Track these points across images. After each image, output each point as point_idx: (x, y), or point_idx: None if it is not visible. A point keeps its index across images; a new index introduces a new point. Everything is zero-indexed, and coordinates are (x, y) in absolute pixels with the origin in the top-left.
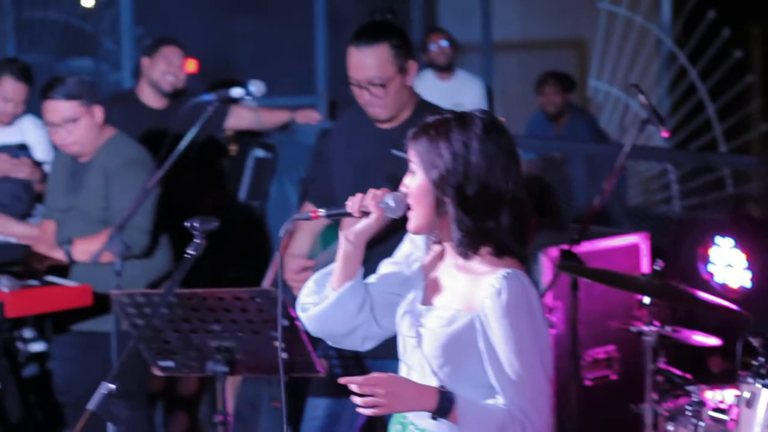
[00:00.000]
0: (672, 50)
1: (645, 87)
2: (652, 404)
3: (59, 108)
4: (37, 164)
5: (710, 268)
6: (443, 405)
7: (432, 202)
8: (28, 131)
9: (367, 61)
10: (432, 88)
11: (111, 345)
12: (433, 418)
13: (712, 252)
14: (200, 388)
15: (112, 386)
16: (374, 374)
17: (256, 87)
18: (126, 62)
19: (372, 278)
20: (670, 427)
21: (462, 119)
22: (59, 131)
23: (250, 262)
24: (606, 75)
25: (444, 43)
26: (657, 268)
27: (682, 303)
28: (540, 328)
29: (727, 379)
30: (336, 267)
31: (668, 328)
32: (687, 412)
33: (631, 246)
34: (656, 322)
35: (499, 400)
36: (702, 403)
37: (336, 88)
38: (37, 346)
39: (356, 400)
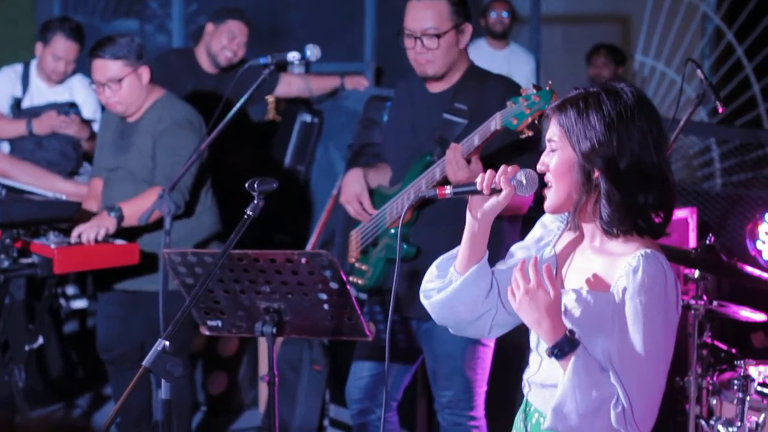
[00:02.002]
0: (719, 27)
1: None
2: (696, 378)
3: (105, 67)
4: (86, 122)
5: (758, 245)
6: (564, 344)
7: (578, 178)
8: (78, 90)
9: (426, 12)
10: (484, 56)
11: (155, 304)
12: (548, 353)
13: (761, 228)
14: (240, 349)
15: (167, 343)
16: (545, 273)
17: (312, 51)
18: (174, 25)
19: (501, 264)
20: (713, 400)
21: (613, 91)
22: (104, 90)
23: (293, 226)
24: (652, 50)
25: (505, 13)
26: (708, 242)
27: (734, 278)
28: (671, 313)
29: None
30: (461, 249)
31: (715, 303)
32: (734, 386)
33: (679, 220)
34: (705, 296)
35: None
36: (749, 378)
37: (383, 55)
38: (79, 303)
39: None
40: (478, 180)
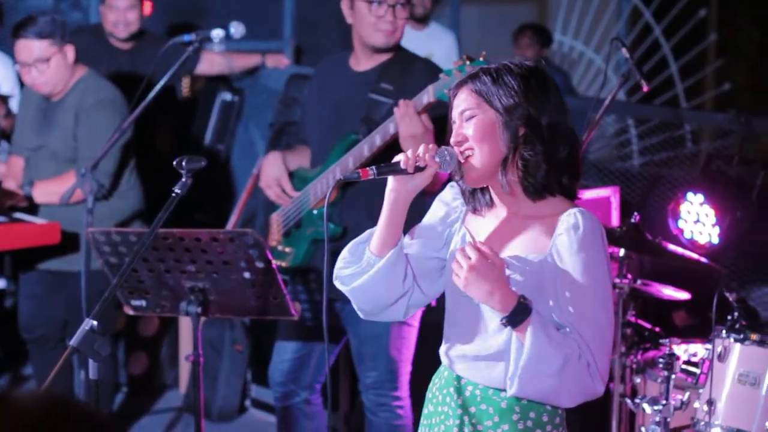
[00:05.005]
0: (637, 7)
1: (608, 43)
2: (620, 356)
3: (31, 47)
4: (2, 98)
5: (680, 224)
6: (519, 313)
7: (505, 135)
8: None
9: None
10: (405, 36)
11: (77, 284)
12: (504, 323)
13: (683, 208)
14: (161, 330)
15: (95, 323)
16: (479, 246)
17: (236, 28)
18: (90, 1)
19: (409, 245)
20: (637, 379)
21: (517, 63)
22: (30, 71)
23: (213, 205)
24: (571, 30)
25: None
26: (633, 221)
27: (659, 256)
28: (609, 263)
29: (691, 333)
30: (379, 231)
31: (639, 282)
32: (659, 365)
33: (601, 199)
34: (629, 275)
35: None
36: (674, 356)
37: (302, 33)
38: None
39: (453, 265)
40: (402, 159)
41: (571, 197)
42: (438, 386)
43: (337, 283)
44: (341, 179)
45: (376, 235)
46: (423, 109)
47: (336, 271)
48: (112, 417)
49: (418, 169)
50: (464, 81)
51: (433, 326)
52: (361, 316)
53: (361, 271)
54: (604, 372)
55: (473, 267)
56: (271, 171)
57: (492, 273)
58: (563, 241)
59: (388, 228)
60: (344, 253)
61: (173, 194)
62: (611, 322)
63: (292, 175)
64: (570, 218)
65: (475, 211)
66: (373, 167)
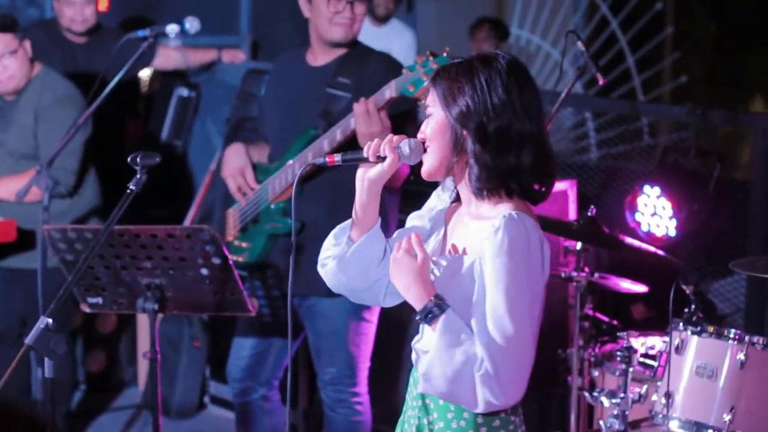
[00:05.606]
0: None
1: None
2: (578, 350)
3: None
4: None
5: (637, 216)
6: (432, 308)
7: (450, 140)
8: None
9: None
10: (365, 32)
11: (35, 281)
12: (419, 318)
13: (640, 200)
14: (118, 326)
15: (50, 321)
16: (411, 239)
17: (191, 23)
18: None
19: (396, 233)
20: (595, 372)
21: (485, 59)
22: None
23: (170, 201)
24: (528, 23)
25: None
26: (590, 214)
27: (616, 249)
28: (536, 275)
29: (648, 326)
30: (353, 217)
31: (596, 275)
32: (617, 358)
33: (559, 192)
34: (586, 268)
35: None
36: (632, 349)
37: (259, 28)
38: None
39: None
40: (365, 148)
41: (532, 200)
42: (410, 379)
43: (318, 266)
44: (310, 164)
45: (352, 220)
46: (384, 105)
47: (320, 254)
48: (54, 422)
49: (380, 159)
50: (431, 78)
51: (397, 322)
52: (351, 300)
53: (336, 254)
54: (512, 383)
55: (395, 259)
56: (235, 161)
57: (410, 268)
58: (487, 245)
59: (359, 214)
60: (329, 237)
61: (128, 191)
62: (524, 332)
63: (254, 167)
64: (497, 222)
65: (454, 203)
66: (339, 154)
